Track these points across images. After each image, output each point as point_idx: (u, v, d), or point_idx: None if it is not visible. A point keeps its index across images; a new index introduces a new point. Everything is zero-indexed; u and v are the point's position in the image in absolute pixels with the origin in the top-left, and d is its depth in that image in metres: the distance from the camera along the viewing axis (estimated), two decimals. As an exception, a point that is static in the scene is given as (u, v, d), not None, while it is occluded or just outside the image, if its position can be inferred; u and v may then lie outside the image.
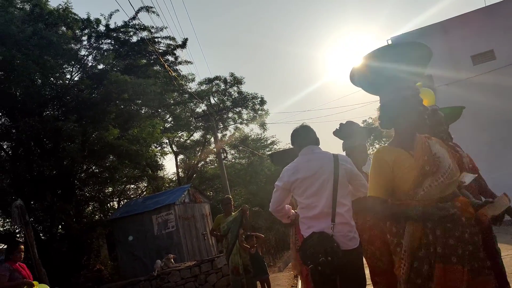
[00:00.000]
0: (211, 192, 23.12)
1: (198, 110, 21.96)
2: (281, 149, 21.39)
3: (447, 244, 2.04)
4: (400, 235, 2.20)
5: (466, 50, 14.72)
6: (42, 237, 13.23)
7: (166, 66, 12.69)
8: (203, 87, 21.87)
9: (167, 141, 21.37)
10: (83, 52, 13.63)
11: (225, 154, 21.56)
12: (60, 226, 13.58)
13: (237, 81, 22.13)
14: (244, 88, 24.36)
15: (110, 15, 14.18)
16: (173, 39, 14.68)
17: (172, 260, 10.33)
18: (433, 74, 14.84)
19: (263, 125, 22.83)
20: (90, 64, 13.53)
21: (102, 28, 13.66)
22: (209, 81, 22.00)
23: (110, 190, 18.62)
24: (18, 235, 13.74)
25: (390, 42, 16.14)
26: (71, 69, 13.27)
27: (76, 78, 13.19)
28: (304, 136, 3.51)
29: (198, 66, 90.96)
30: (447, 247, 2.04)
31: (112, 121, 10.89)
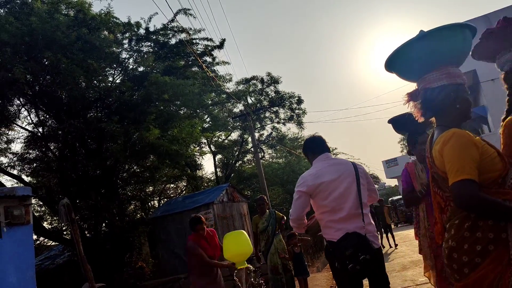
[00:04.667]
0: (249, 192, 23.25)
1: (236, 110, 22.16)
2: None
3: None
4: (501, 227, 1.87)
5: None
6: (88, 235, 13.70)
7: (204, 66, 12.88)
8: (240, 87, 22.05)
9: (206, 141, 21.66)
10: (124, 55, 14.03)
11: (262, 154, 21.64)
12: (104, 224, 14.01)
13: (274, 81, 22.17)
14: (281, 87, 24.42)
15: (150, 18, 14.57)
16: (211, 40, 14.94)
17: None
18: (477, 69, 14.36)
19: (300, 124, 22.76)
20: (131, 66, 13.90)
21: (142, 31, 14.04)
22: (246, 81, 22.16)
23: (151, 189, 19.05)
24: (65, 233, 14.30)
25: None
26: (113, 72, 13.67)
27: (118, 81, 13.58)
28: (319, 143, 3.72)
29: (235, 66, 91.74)
30: None
31: (152, 121, 11.14)
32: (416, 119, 2.37)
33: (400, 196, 35.81)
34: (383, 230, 16.25)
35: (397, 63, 2.37)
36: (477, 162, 1.93)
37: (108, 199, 12.65)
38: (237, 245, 5.47)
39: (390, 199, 35.52)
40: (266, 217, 7.69)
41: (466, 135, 2.00)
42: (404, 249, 13.44)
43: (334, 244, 3.30)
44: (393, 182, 59.60)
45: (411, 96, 2.36)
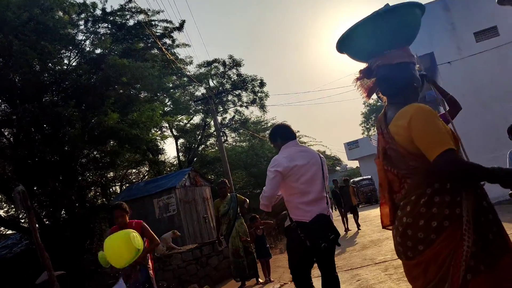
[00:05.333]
0: (212, 176, 23.20)
1: (198, 93, 21.94)
2: None
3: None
4: (456, 203, 1.90)
5: (468, 26, 14.47)
6: (47, 222, 13.36)
7: (163, 49, 12.63)
8: (202, 70, 21.79)
9: (167, 125, 21.39)
10: (80, 37, 13.57)
11: (225, 137, 21.58)
12: (63, 211, 13.68)
13: (236, 64, 22.04)
14: (243, 70, 24.32)
15: (106, -1, 14.08)
16: (170, 22, 14.63)
17: (177, 233, 10.42)
18: (435, 52, 14.67)
19: (263, 107, 22.79)
20: (88, 49, 13.49)
21: (98, 12, 13.57)
22: (207, 64, 21.90)
23: (112, 175, 18.72)
24: (22, 221, 13.89)
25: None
26: (69, 55, 13.22)
27: (74, 64, 13.15)
28: (289, 130, 3.98)
29: (196, 49, 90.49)
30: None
31: (111, 105, 10.88)
32: (362, 97, 2.38)
33: (362, 177, 36.62)
34: (349, 211, 15.17)
35: (353, 41, 2.28)
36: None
37: (66, 185, 12.34)
38: (113, 251, 5.01)
39: (351, 180, 36.31)
40: (227, 200, 7.71)
41: (431, 109, 2.00)
42: (364, 229, 13.80)
43: (306, 224, 3.57)
44: (355, 164, 60.84)
45: (364, 74, 2.33)
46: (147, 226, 5.19)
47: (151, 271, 5.09)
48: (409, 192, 2.03)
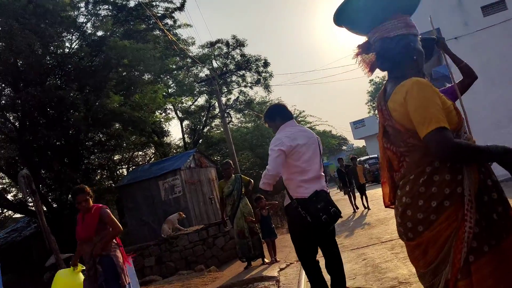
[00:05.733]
0: (218, 157, 23.21)
1: (201, 75, 21.80)
2: None
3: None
4: (457, 182, 1.81)
5: (475, 0, 14.11)
6: (54, 205, 13.47)
7: (165, 30, 12.49)
8: (205, 51, 21.59)
9: (172, 107, 21.32)
10: (81, 19, 13.45)
11: (230, 118, 21.52)
12: (70, 195, 13.77)
13: (239, 44, 21.80)
14: (246, 50, 24.08)
15: (106, -21, 13.87)
16: (171, 2, 14.43)
17: (183, 215, 10.48)
18: (441, 27, 14.40)
19: (267, 87, 22.61)
20: (89, 31, 13.35)
21: (99, -7, 13.42)
22: (211, 44, 21.67)
23: (119, 158, 18.78)
24: (30, 204, 14.01)
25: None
26: (71, 37, 13.14)
27: (75, 46, 13.05)
28: (286, 110, 4.03)
29: (199, 30, 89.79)
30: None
31: (113, 88, 10.81)
32: (364, 73, 2.28)
33: (368, 156, 36.58)
34: (356, 190, 14.44)
35: (349, 12, 2.17)
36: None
37: (72, 168, 12.39)
38: None
39: (358, 159, 36.18)
40: (231, 181, 7.68)
41: (429, 84, 1.90)
42: (371, 208, 13.73)
43: (305, 200, 3.61)
44: (361, 143, 60.72)
45: (362, 48, 2.22)
46: (107, 211, 4.74)
47: (119, 259, 4.68)
48: (408, 170, 1.95)
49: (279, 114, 3.96)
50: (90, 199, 4.77)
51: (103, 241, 4.58)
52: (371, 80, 65.71)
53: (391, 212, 8.44)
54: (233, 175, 7.83)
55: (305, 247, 3.81)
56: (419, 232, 1.87)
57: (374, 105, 66.13)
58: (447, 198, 1.81)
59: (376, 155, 34.27)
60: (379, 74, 65.18)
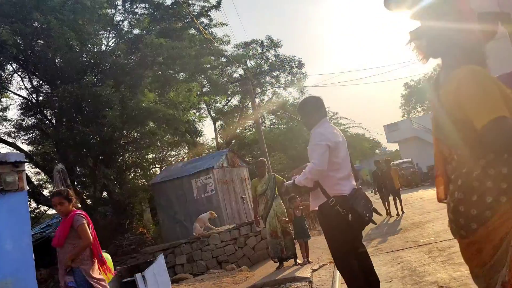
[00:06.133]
0: (250, 158, 23.11)
1: (235, 75, 21.77)
2: None
3: None
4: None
5: None
6: (88, 202, 13.65)
7: (201, 28, 12.45)
8: (240, 51, 21.54)
9: (206, 107, 21.37)
10: (118, 17, 13.59)
11: (263, 119, 21.40)
12: (104, 192, 13.92)
13: (274, 44, 21.69)
14: (281, 51, 23.94)
15: (144, -22, 13.99)
16: (207, 1, 14.42)
17: (214, 214, 10.40)
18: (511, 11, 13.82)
19: (301, 89, 22.38)
20: (126, 29, 13.47)
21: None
22: (245, 45, 21.65)
23: (152, 157, 18.93)
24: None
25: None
26: (108, 35, 13.28)
27: (112, 44, 13.19)
28: (324, 106, 3.92)
29: (234, 29, 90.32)
30: None
31: (148, 86, 10.83)
32: (420, 60, 2.09)
33: (402, 160, 35.71)
34: (390, 196, 13.52)
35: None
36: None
37: (106, 165, 12.51)
38: None
39: (391, 163, 35.36)
40: (265, 180, 7.49)
41: (485, 72, 1.72)
42: (405, 212, 13.31)
43: (346, 198, 3.51)
44: (394, 147, 59.48)
45: (413, 35, 2.02)
46: (80, 219, 4.34)
47: (90, 273, 4.28)
48: (460, 164, 1.80)
49: (318, 108, 3.86)
50: (69, 203, 4.42)
51: (72, 252, 4.25)
52: (405, 84, 64.46)
53: (427, 215, 8.14)
54: (267, 174, 7.64)
55: (345, 247, 3.61)
56: (473, 230, 1.71)
57: (408, 108, 64.83)
58: (503, 194, 1.63)
59: (410, 159, 33.33)
60: (414, 78, 63.85)
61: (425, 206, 13.17)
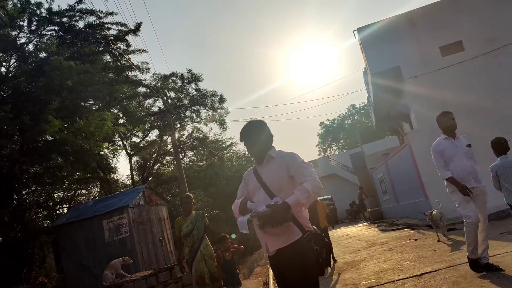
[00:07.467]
0: (168, 196, 21.81)
1: (154, 109, 20.73)
2: None
3: None
4: None
5: (434, 41, 14.36)
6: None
7: (117, 53, 11.42)
8: (159, 84, 20.56)
9: (120, 142, 19.98)
10: (22, 40, 12.15)
11: (183, 154, 20.39)
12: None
13: (195, 78, 21.01)
14: (202, 85, 23.31)
15: (53, -3, 12.71)
16: (125, 25, 13.45)
17: (129, 259, 9.20)
18: (401, 66, 14.41)
19: (222, 123, 21.78)
20: (31, 51, 12.04)
21: (43, 12, 12.21)
22: (164, 77, 20.70)
23: (60, 196, 17.09)
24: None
25: (356, 33, 15.59)
26: (8, 58, 11.74)
27: (13, 68, 11.68)
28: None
29: (154, 60, 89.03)
30: None
31: (54, 112, 9.50)
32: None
33: (322, 197, 36.04)
34: None
35: None
36: None
37: (1, 205, 10.78)
38: None
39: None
40: (191, 219, 6.57)
41: None
42: (334, 251, 12.92)
43: (319, 234, 3.05)
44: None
45: None
46: None
47: None
48: None
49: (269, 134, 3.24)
50: None
51: None
52: (321, 123, 66.84)
53: (358, 254, 7.68)
54: (193, 211, 6.74)
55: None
56: None
57: (324, 147, 67.01)
58: None
59: (329, 196, 33.61)
60: (330, 117, 66.48)
61: (353, 244, 12.87)
